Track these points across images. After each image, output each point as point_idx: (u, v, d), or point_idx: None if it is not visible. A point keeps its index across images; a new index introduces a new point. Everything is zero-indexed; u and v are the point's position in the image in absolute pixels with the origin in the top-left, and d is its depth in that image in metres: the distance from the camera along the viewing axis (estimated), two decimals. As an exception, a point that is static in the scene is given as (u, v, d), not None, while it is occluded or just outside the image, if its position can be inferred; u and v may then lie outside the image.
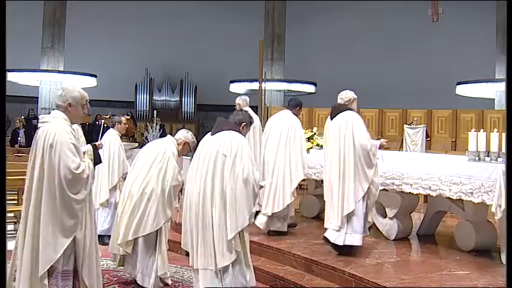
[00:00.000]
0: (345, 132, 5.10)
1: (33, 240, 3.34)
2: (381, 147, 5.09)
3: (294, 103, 6.30)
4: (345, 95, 5.34)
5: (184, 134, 5.13)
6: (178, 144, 5.06)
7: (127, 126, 7.27)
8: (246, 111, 4.40)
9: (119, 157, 6.68)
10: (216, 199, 3.90)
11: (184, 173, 4.99)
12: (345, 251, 5.10)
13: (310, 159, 6.47)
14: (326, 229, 6.34)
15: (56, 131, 3.36)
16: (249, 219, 3.87)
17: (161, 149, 4.94)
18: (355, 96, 5.36)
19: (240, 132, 4.12)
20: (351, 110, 5.24)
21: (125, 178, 6.66)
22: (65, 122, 3.48)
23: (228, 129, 4.08)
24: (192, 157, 4.43)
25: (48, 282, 3.35)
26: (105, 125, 6.88)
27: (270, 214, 5.90)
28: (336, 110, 5.32)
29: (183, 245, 4.15)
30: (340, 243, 5.05)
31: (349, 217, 4.99)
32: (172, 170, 4.85)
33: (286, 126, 6.05)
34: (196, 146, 4.41)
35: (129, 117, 11.26)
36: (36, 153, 3.39)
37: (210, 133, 4.21)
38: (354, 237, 5.03)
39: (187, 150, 5.18)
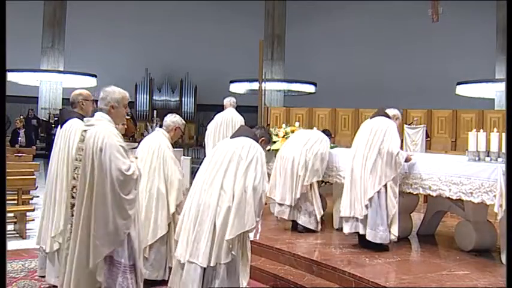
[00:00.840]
0: (374, 136, 5.49)
1: (87, 238, 3.42)
2: (407, 160, 5.40)
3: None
4: (392, 110, 5.86)
5: (173, 120, 5.03)
6: (169, 132, 4.99)
7: (125, 126, 7.22)
8: (266, 128, 4.47)
9: None
10: (222, 197, 3.81)
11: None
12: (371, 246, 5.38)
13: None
14: (326, 229, 6.35)
15: (104, 134, 3.44)
16: (251, 224, 3.74)
17: (155, 145, 4.86)
18: (399, 115, 5.90)
19: (256, 139, 4.05)
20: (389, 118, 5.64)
21: None
22: (110, 124, 3.56)
23: (249, 137, 4.03)
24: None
25: (117, 275, 3.47)
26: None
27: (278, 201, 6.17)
28: (377, 113, 5.80)
29: (176, 234, 4.02)
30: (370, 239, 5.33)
31: (371, 213, 5.30)
32: (172, 162, 4.81)
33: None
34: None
35: (129, 117, 11.23)
36: (86, 157, 3.49)
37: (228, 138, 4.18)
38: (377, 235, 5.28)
39: (180, 133, 5.15)
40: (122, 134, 7.57)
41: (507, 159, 4.13)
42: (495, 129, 5.11)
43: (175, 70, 22.30)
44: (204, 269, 3.67)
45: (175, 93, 22.79)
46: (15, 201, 7.01)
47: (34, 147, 12.86)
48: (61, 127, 4.57)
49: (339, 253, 5.33)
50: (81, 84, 20.11)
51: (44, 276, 4.60)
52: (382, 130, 5.44)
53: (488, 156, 5.03)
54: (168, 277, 4.29)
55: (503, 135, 4.50)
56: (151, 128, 13.20)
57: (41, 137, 17.70)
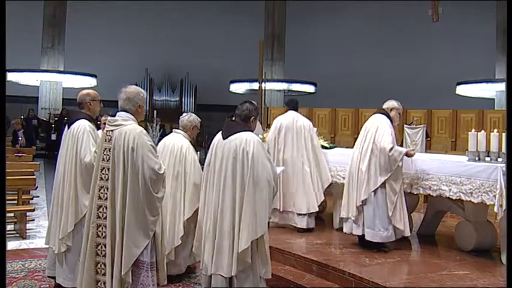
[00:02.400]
0: (367, 134, 5.45)
1: (120, 237, 3.47)
2: (408, 155, 5.25)
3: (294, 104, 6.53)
4: (387, 102, 5.68)
5: (189, 119, 5.18)
6: (187, 131, 5.14)
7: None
8: (250, 103, 4.14)
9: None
10: (235, 208, 3.83)
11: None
12: (367, 244, 5.37)
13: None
14: (326, 229, 6.35)
15: (135, 134, 3.49)
16: (261, 231, 3.79)
17: (176, 146, 4.99)
18: (396, 106, 5.61)
19: (250, 128, 4.01)
20: (387, 115, 5.52)
21: None
22: (136, 124, 3.61)
23: (239, 131, 3.95)
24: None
25: (140, 274, 3.51)
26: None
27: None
28: (376, 112, 5.70)
29: (195, 249, 4.14)
30: (359, 233, 5.40)
31: (368, 212, 5.29)
32: (194, 166, 4.95)
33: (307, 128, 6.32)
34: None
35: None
36: (115, 157, 3.50)
37: (220, 135, 4.06)
38: (374, 234, 5.26)
39: (197, 131, 5.32)
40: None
41: (507, 159, 4.13)
42: (495, 129, 5.10)
43: (175, 70, 22.30)
44: (230, 278, 3.80)
45: (175, 93, 22.78)
46: (15, 201, 7.01)
47: (34, 147, 12.86)
48: (68, 128, 4.54)
49: (339, 253, 5.33)
50: (81, 84, 20.12)
51: (53, 277, 4.55)
52: (374, 127, 5.39)
53: (488, 156, 5.03)
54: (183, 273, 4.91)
55: (503, 135, 4.51)
56: (152, 128, 13.19)
57: (41, 137, 17.70)
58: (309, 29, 21.79)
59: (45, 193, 10.28)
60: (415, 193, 5.62)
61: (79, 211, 4.27)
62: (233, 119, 4.09)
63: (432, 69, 19.80)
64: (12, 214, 6.87)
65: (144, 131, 3.58)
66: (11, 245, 6.22)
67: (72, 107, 20.89)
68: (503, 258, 4.84)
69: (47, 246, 4.62)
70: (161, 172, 3.51)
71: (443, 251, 5.58)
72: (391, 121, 5.46)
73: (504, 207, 4.44)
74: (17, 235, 6.76)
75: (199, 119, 5.29)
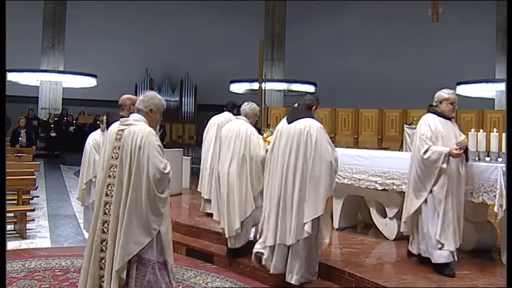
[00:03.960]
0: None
1: (120, 233, 3.53)
2: (452, 155, 4.56)
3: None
4: (435, 95, 4.92)
5: (251, 108, 5.68)
6: (249, 118, 5.64)
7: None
8: (311, 94, 4.75)
9: (90, 158, 6.53)
10: (297, 186, 4.36)
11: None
12: None
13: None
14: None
15: (143, 133, 3.59)
16: (321, 210, 4.36)
17: (242, 130, 5.47)
18: (446, 96, 4.82)
19: (313, 116, 4.52)
20: (433, 112, 4.89)
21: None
22: (146, 125, 3.71)
23: (303, 117, 4.48)
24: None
25: (146, 272, 3.58)
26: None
27: None
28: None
29: (261, 224, 4.70)
30: None
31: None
32: (259, 144, 5.42)
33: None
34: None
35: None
36: (123, 155, 3.61)
37: (284, 121, 4.61)
38: None
39: (257, 118, 5.84)
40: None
41: (507, 159, 4.13)
42: (495, 129, 5.10)
43: (175, 70, 22.30)
44: (289, 247, 4.41)
45: (175, 93, 22.78)
46: (15, 201, 7.01)
47: (34, 147, 12.86)
48: (107, 128, 4.78)
49: (339, 253, 5.33)
50: (81, 84, 20.15)
51: None
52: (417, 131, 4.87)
53: (488, 156, 5.03)
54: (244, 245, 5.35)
55: (503, 135, 4.50)
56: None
57: (41, 137, 17.71)
58: (309, 29, 21.79)
59: (45, 193, 10.29)
60: (415, 193, 5.62)
61: None
62: (297, 106, 4.64)
63: (432, 69, 19.78)
64: (12, 214, 6.87)
65: (153, 132, 3.66)
66: (11, 245, 6.22)
67: (72, 107, 20.82)
68: (503, 258, 4.84)
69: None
70: (166, 172, 3.55)
71: (443, 251, 5.56)
72: (443, 116, 4.80)
73: (504, 207, 4.44)
74: (17, 235, 6.77)
75: (258, 107, 5.86)
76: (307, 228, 4.32)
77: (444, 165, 4.52)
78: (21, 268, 5.33)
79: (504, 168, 4.53)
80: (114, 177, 3.63)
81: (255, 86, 15.16)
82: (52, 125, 17.77)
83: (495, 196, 4.59)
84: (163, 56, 21.81)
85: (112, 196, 3.61)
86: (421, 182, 4.63)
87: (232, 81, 20.52)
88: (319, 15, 21.74)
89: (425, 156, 4.58)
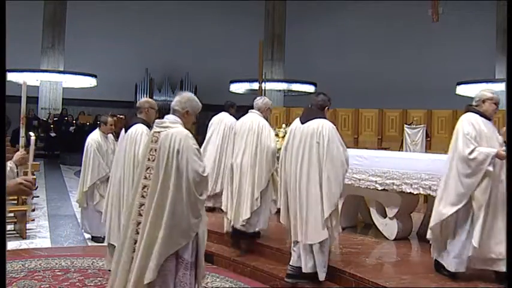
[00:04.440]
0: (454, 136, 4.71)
1: (154, 235, 3.54)
2: (499, 157, 4.24)
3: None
4: (477, 94, 4.72)
5: (264, 102, 5.89)
6: (262, 112, 5.81)
7: (112, 127, 7.17)
8: (324, 94, 4.84)
9: (94, 162, 6.55)
10: (312, 184, 4.51)
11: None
12: None
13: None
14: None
15: (181, 136, 3.60)
16: (336, 200, 4.52)
17: (255, 124, 5.66)
18: (489, 95, 4.67)
19: (325, 116, 4.69)
20: (474, 111, 4.62)
21: (106, 180, 6.69)
22: (182, 127, 3.72)
23: (316, 117, 4.64)
24: None
25: (179, 271, 3.63)
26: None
27: None
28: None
29: (281, 219, 4.86)
30: None
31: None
32: (270, 137, 5.65)
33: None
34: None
35: (115, 117, 11.15)
36: (160, 158, 3.60)
37: (297, 121, 4.77)
38: None
39: (270, 112, 6.03)
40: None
41: (507, 159, 4.12)
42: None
43: (175, 70, 22.30)
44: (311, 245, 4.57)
45: (175, 93, 22.68)
46: (15, 201, 7.01)
47: (34, 147, 12.83)
48: (126, 131, 4.85)
49: (339, 253, 5.33)
50: (81, 84, 20.14)
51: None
52: (456, 131, 4.60)
53: (488, 156, 5.01)
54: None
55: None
56: (151, 128, 13.22)
57: (41, 137, 17.70)
58: (309, 29, 21.79)
59: (45, 193, 10.29)
60: (415, 193, 5.62)
61: None
62: (310, 107, 4.80)
63: (432, 69, 19.78)
64: (12, 214, 6.87)
65: (190, 135, 3.66)
66: (11, 245, 6.22)
67: (72, 107, 20.78)
68: (503, 258, 4.83)
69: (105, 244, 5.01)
70: (205, 175, 3.60)
71: (443, 251, 5.56)
72: (484, 116, 4.56)
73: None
74: (17, 235, 6.77)
75: (271, 101, 6.04)
76: (326, 225, 4.51)
77: (490, 168, 4.24)
78: (21, 268, 5.33)
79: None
80: (151, 179, 3.66)
81: (255, 86, 15.17)
82: (52, 125, 17.76)
83: (495, 196, 4.58)
84: (163, 56, 21.81)
85: (145, 197, 3.65)
86: (462, 185, 4.31)
87: (232, 81, 20.52)
88: (319, 15, 21.74)
89: (471, 157, 4.29)
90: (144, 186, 3.66)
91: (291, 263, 4.73)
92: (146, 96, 22.30)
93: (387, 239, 5.91)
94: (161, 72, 22.51)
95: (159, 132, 3.69)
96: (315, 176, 4.51)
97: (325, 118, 4.65)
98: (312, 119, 4.63)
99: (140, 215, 3.64)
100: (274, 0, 19.83)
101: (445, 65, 19.19)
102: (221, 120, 7.48)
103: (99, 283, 5.02)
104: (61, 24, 19.10)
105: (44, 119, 18.39)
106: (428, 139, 12.04)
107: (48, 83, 19.04)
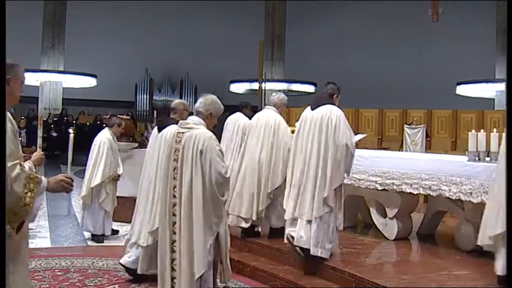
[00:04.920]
0: None
1: (190, 240, 3.68)
2: None
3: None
4: None
5: (279, 97, 6.01)
6: (278, 108, 5.93)
7: (123, 131, 7.29)
8: (333, 83, 5.12)
9: (106, 159, 6.64)
10: (320, 164, 4.76)
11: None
12: None
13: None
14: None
15: (205, 137, 3.71)
16: (340, 180, 4.78)
17: (271, 120, 5.79)
18: None
19: (334, 103, 4.96)
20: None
21: (114, 179, 6.74)
22: (206, 129, 3.83)
23: (325, 104, 4.94)
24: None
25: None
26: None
27: None
28: None
29: (285, 197, 5.06)
30: None
31: None
32: (287, 132, 5.77)
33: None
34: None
35: (128, 117, 11.23)
36: (184, 158, 3.73)
37: (308, 109, 5.10)
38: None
39: (285, 107, 6.15)
40: (121, 134, 7.57)
41: (507, 159, 4.13)
42: (495, 129, 5.11)
43: (175, 70, 22.29)
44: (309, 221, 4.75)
45: (175, 93, 22.76)
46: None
47: (34, 147, 12.87)
48: (159, 131, 5.02)
49: (339, 253, 5.33)
50: (81, 84, 20.15)
51: (135, 270, 4.98)
52: None
53: (488, 156, 5.03)
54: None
55: (503, 135, 4.50)
56: (152, 128, 13.19)
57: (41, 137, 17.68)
58: (309, 29, 21.78)
59: (45, 193, 10.27)
60: (415, 193, 5.63)
61: None
62: (320, 95, 5.17)
63: (432, 69, 19.77)
64: (12, 214, 6.85)
65: (214, 136, 3.78)
66: (11, 245, 6.20)
67: (72, 107, 20.79)
68: (503, 258, 4.83)
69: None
70: (227, 176, 3.71)
71: (443, 251, 5.58)
72: None
73: (504, 207, 4.43)
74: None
75: (286, 97, 6.15)
76: (329, 202, 4.73)
77: None
78: (21, 268, 5.32)
79: (504, 168, 4.53)
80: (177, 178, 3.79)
81: (255, 86, 15.17)
82: (52, 125, 17.76)
83: (495, 196, 4.58)
84: (163, 56, 21.80)
85: (177, 197, 3.77)
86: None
87: (232, 81, 20.52)
88: (319, 15, 21.73)
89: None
90: (175, 187, 3.76)
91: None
92: (146, 96, 22.33)
93: (387, 239, 5.91)
94: (161, 72, 22.50)
95: (183, 132, 3.79)
96: (323, 158, 4.77)
97: (333, 104, 4.95)
98: (321, 105, 4.95)
99: (174, 215, 3.76)
100: (274, 0, 19.82)
101: (445, 65, 19.18)
102: (236, 120, 7.39)
103: (99, 283, 5.03)
104: (61, 24, 19.10)
105: (44, 119, 18.39)
106: (428, 139, 12.04)
107: (48, 83, 19.04)
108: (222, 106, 3.94)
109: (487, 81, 16.46)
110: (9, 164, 2.35)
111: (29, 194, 2.43)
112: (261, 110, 6.58)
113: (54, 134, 17.53)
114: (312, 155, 4.85)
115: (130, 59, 21.33)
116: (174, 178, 3.76)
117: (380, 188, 5.75)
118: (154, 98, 22.53)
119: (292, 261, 5.18)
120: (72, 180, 2.72)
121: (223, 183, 3.68)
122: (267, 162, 5.67)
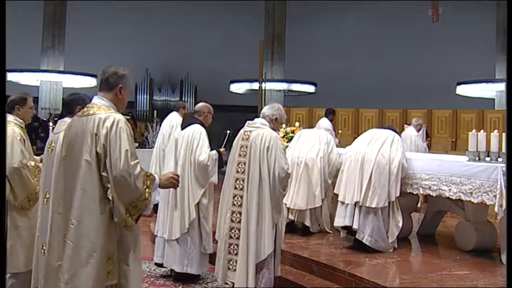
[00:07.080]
0: None
1: (255, 224, 4.13)
2: None
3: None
4: None
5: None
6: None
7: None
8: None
9: None
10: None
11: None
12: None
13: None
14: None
15: (271, 136, 4.21)
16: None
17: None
18: None
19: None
20: None
21: None
22: (272, 130, 4.32)
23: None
24: None
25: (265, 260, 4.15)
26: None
27: None
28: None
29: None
30: None
31: None
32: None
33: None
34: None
35: (129, 117, 11.24)
36: (251, 153, 4.19)
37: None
38: None
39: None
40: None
41: (507, 159, 4.13)
42: (495, 130, 5.11)
43: (175, 70, 22.28)
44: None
45: (175, 93, 22.76)
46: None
47: (34, 147, 12.84)
48: (182, 129, 5.28)
49: (339, 253, 5.34)
50: (81, 84, 20.13)
51: (161, 264, 5.31)
52: None
53: (488, 156, 5.04)
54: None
55: (503, 135, 4.51)
56: (152, 128, 13.19)
57: (41, 136, 17.69)
58: (309, 29, 21.77)
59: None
60: (415, 193, 5.63)
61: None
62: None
63: (432, 69, 19.77)
64: (12, 214, 6.85)
65: (279, 136, 4.25)
66: (11, 245, 6.19)
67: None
68: (503, 258, 4.84)
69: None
70: (289, 171, 4.19)
71: (443, 251, 5.59)
72: None
73: (504, 207, 4.44)
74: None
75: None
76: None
77: None
78: (21, 268, 5.30)
79: (504, 168, 4.54)
80: (243, 172, 4.20)
81: (255, 86, 15.15)
82: (52, 126, 17.74)
83: (495, 196, 4.60)
84: (163, 56, 21.80)
85: (241, 189, 4.19)
86: None
87: (232, 81, 20.50)
88: (319, 15, 21.72)
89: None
90: (237, 179, 4.20)
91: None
92: (146, 97, 22.33)
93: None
94: (161, 72, 22.50)
95: (250, 131, 4.27)
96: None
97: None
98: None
99: (234, 204, 4.16)
100: (274, 0, 19.81)
101: (445, 65, 19.17)
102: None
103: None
104: (61, 24, 19.07)
105: (44, 119, 18.38)
106: (428, 139, 12.05)
107: (48, 83, 19.03)
108: (285, 114, 4.44)
109: (487, 81, 16.44)
110: (132, 162, 2.75)
111: (147, 189, 2.81)
112: (261, 110, 6.52)
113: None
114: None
115: (130, 59, 21.31)
116: (238, 171, 4.16)
117: (380, 188, 5.73)
118: (154, 98, 22.52)
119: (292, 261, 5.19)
120: (178, 177, 3.08)
121: (285, 178, 4.12)
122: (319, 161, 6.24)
